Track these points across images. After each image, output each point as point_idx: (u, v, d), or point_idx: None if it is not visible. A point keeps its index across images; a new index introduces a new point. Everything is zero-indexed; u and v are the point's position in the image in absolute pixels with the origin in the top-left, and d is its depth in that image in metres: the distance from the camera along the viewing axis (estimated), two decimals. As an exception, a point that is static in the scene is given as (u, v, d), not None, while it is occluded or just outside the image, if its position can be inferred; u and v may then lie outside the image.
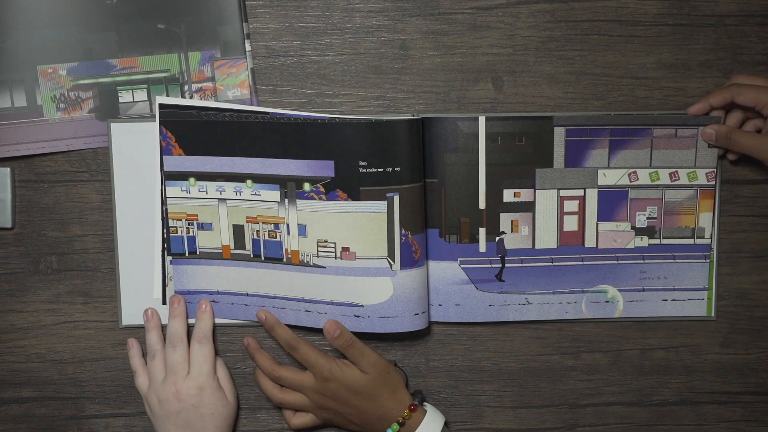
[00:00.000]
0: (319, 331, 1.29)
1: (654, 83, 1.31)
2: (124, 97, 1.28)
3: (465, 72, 1.31)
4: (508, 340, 1.34)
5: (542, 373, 1.35)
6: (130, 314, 1.32)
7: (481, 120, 1.27)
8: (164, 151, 1.27)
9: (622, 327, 1.34)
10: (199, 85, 1.28)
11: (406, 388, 1.28)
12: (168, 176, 1.28)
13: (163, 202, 1.29)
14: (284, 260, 1.28)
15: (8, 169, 1.29)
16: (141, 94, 1.28)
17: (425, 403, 1.28)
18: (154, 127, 1.27)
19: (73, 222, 1.31)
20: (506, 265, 1.31)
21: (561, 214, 1.30)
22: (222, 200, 1.28)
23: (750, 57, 1.31)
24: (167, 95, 1.28)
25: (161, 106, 1.26)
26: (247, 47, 1.28)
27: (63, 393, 1.34)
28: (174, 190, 1.28)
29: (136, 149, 1.29)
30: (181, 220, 1.29)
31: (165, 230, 1.30)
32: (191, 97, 1.28)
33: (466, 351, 1.34)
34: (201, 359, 1.27)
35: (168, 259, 1.30)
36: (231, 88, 1.28)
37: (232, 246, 1.29)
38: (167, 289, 1.31)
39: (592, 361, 1.34)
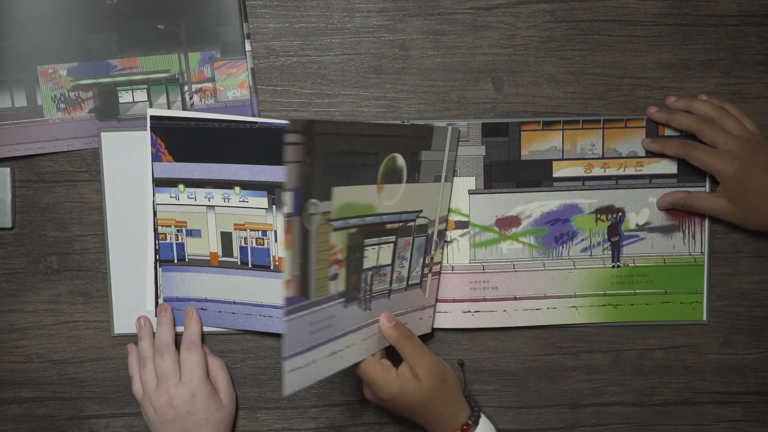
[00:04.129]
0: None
1: (654, 83, 1.31)
2: (124, 97, 1.28)
3: (465, 72, 1.31)
4: (509, 340, 1.34)
5: (542, 373, 1.35)
6: (122, 323, 1.32)
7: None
8: (154, 157, 1.27)
9: (622, 327, 1.34)
10: (199, 86, 1.28)
11: (463, 394, 1.27)
12: (157, 183, 1.28)
13: (155, 212, 1.29)
14: (272, 267, 1.28)
15: (8, 169, 1.29)
16: (141, 95, 1.28)
17: (481, 416, 1.26)
18: (145, 135, 1.28)
19: (73, 222, 1.31)
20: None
21: None
22: (210, 207, 1.28)
23: (750, 57, 1.31)
24: (167, 96, 1.28)
25: (152, 117, 1.26)
26: (247, 47, 1.28)
27: (63, 393, 1.34)
28: (163, 196, 1.28)
29: (126, 157, 1.29)
30: (170, 226, 1.29)
31: (157, 241, 1.30)
32: (191, 98, 1.28)
33: (466, 351, 1.34)
34: (191, 366, 1.26)
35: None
36: (231, 88, 1.28)
37: (220, 253, 1.29)
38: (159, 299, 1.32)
39: (593, 361, 1.34)
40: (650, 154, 1.30)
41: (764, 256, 1.34)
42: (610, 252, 1.32)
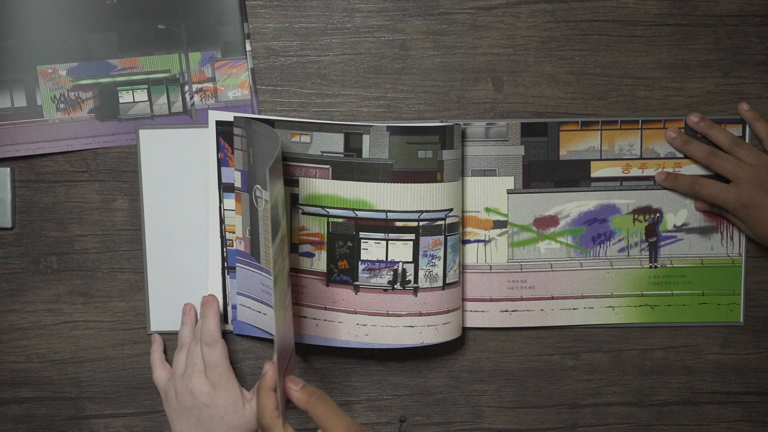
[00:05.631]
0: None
1: (654, 83, 1.31)
2: (124, 97, 1.28)
3: (465, 72, 1.30)
4: (508, 340, 1.34)
5: (542, 373, 1.35)
6: (158, 320, 1.32)
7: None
8: (222, 162, 1.27)
9: (622, 327, 1.34)
10: (200, 86, 1.28)
11: None
12: (225, 188, 1.28)
13: (222, 219, 1.29)
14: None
15: (8, 169, 1.29)
16: (141, 95, 1.28)
17: None
18: (184, 133, 1.28)
19: (73, 222, 1.31)
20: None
21: None
22: None
23: (750, 57, 1.31)
24: (168, 96, 1.28)
25: (218, 122, 1.26)
26: (247, 47, 1.28)
27: (63, 393, 1.33)
28: (230, 202, 1.28)
29: (163, 156, 1.29)
30: (233, 233, 1.29)
31: (225, 248, 1.30)
32: (191, 98, 1.28)
33: (466, 351, 1.34)
34: (211, 362, 1.24)
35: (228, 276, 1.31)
36: (231, 88, 1.28)
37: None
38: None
39: (592, 361, 1.34)
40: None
41: (764, 257, 1.34)
42: (647, 252, 1.32)
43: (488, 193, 1.30)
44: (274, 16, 1.29)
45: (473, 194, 1.30)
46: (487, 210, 1.30)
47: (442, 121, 1.29)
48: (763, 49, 1.31)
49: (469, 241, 1.30)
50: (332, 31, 1.30)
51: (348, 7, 1.30)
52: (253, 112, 1.29)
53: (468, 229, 1.30)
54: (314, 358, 1.33)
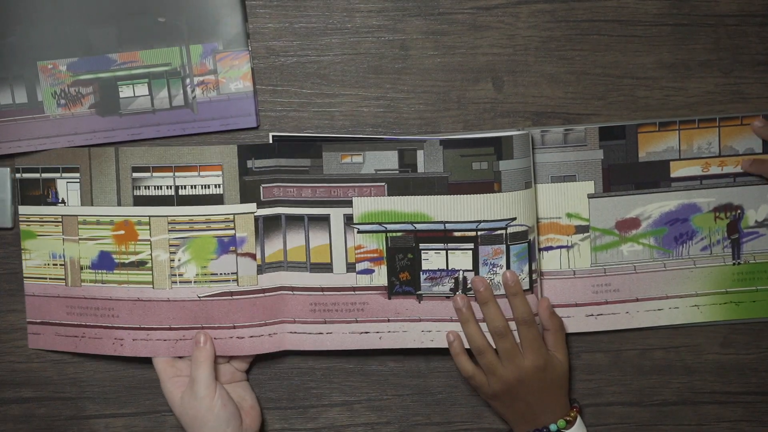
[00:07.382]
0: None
1: (654, 83, 1.31)
2: (125, 91, 1.28)
3: (465, 72, 1.31)
4: (509, 340, 1.34)
5: (542, 374, 1.34)
6: None
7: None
8: None
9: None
10: (201, 78, 1.28)
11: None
12: None
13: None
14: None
15: (8, 169, 1.29)
16: (142, 89, 1.28)
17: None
18: None
19: (74, 222, 1.31)
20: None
21: None
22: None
23: (750, 57, 1.31)
24: (168, 89, 1.28)
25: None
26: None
27: (63, 393, 1.33)
28: None
29: None
30: None
31: None
32: (193, 91, 1.28)
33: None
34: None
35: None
36: (234, 80, 1.28)
37: None
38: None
39: (593, 361, 1.34)
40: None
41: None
42: (730, 250, 1.32)
43: (569, 199, 1.30)
44: (274, 16, 1.30)
45: (554, 200, 1.30)
46: (569, 215, 1.30)
47: (520, 129, 1.29)
48: (764, 49, 1.31)
49: (551, 248, 1.31)
50: (332, 31, 1.30)
51: (348, 7, 1.30)
52: (256, 107, 1.29)
53: (550, 236, 1.31)
54: (314, 358, 1.33)
